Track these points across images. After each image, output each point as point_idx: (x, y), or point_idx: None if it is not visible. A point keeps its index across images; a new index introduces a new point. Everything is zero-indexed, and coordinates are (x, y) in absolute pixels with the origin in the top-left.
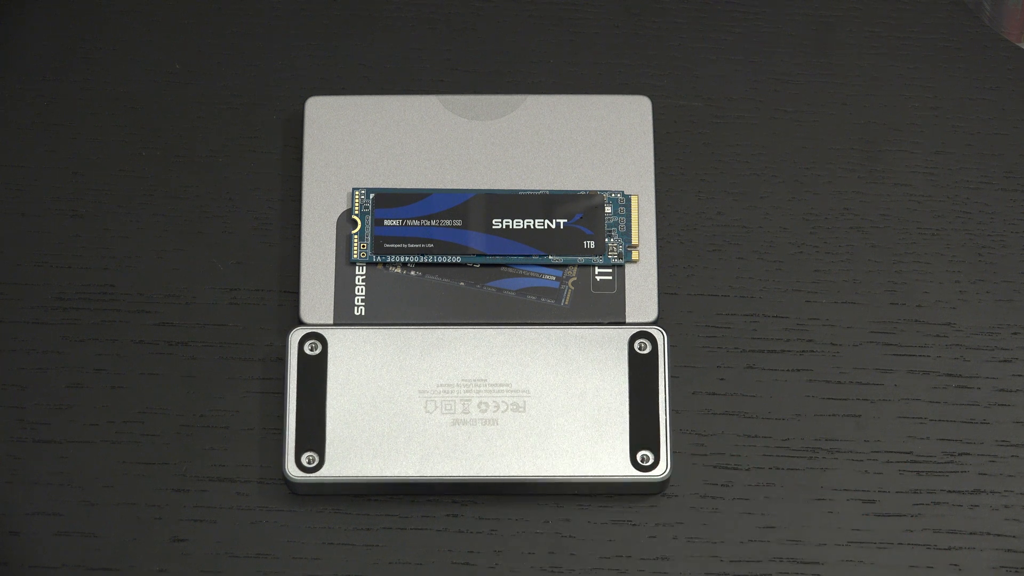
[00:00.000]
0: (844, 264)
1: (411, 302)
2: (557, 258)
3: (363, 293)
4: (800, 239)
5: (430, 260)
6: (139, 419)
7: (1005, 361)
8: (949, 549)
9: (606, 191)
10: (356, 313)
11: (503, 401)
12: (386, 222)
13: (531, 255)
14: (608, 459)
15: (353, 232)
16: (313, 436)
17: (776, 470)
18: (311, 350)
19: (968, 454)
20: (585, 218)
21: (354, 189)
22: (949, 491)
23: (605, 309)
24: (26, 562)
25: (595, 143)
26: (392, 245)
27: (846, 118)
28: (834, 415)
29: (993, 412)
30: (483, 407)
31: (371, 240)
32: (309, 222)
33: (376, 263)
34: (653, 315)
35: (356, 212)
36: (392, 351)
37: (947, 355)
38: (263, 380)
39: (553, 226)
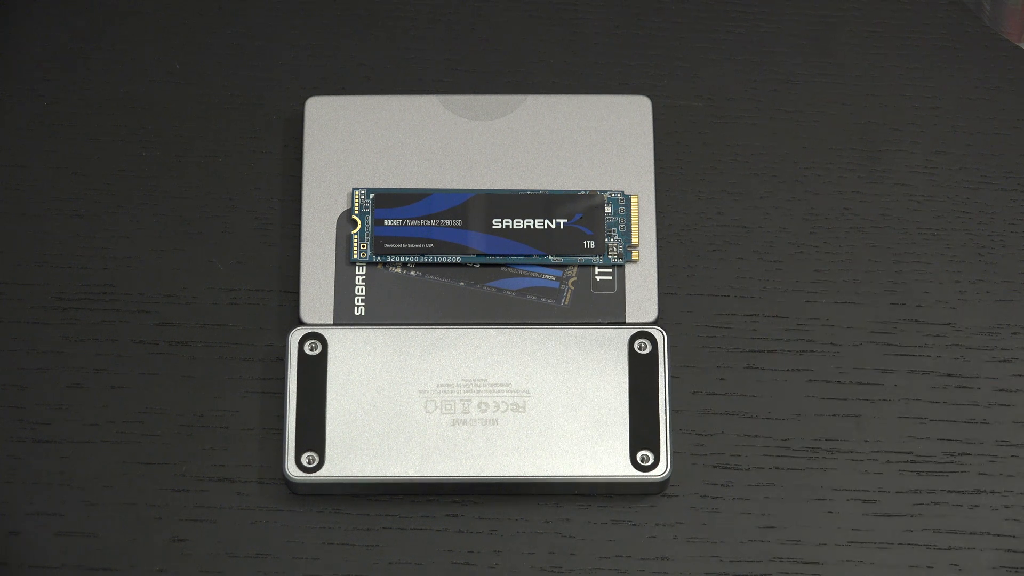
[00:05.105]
0: (844, 264)
1: (411, 302)
2: (557, 258)
3: (363, 293)
4: (800, 239)
5: (430, 260)
6: (139, 419)
7: (1005, 361)
8: (949, 549)
9: (606, 191)
10: (356, 313)
11: (503, 401)
12: (386, 222)
13: (531, 255)
14: (608, 459)
15: (353, 232)
16: (313, 436)
17: (776, 470)
18: (311, 350)
19: (968, 454)
20: (585, 218)
21: (354, 189)
22: (949, 491)
23: (605, 309)
24: (26, 562)
25: (595, 143)
26: (392, 245)
27: (846, 118)
28: (834, 415)
29: (993, 412)
30: (483, 407)
31: (371, 240)
32: (309, 222)
33: (376, 263)
34: (653, 315)
35: (356, 212)
36: (392, 351)
37: (947, 355)
38: (263, 380)
39: (553, 226)
